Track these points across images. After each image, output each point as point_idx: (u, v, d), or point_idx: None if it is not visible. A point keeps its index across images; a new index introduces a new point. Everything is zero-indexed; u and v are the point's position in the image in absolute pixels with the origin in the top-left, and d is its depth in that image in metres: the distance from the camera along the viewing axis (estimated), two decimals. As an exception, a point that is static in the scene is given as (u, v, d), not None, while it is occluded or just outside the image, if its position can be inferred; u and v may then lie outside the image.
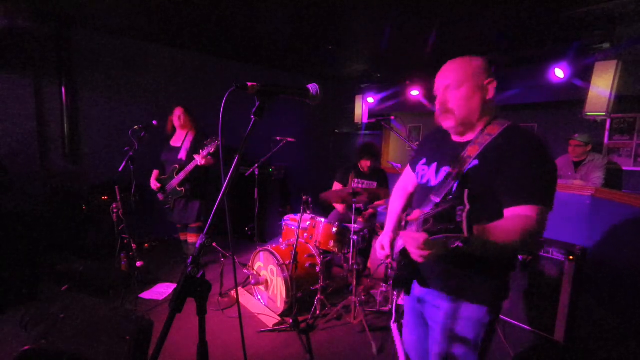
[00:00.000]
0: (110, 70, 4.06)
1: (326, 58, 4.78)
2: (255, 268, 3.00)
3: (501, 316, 2.66)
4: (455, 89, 1.13)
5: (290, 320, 2.57)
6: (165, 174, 3.42)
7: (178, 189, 3.32)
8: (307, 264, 2.81)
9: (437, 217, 0.82)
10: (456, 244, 0.80)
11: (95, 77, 3.97)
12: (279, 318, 2.67)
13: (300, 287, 2.72)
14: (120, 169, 2.88)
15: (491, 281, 1.13)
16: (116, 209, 2.87)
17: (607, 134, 4.35)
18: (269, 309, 2.81)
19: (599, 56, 3.31)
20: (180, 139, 3.43)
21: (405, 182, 1.55)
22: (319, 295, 2.76)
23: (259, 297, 2.97)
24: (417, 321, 1.38)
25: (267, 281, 2.86)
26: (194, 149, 3.29)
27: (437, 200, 1.08)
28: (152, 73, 4.36)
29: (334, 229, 2.94)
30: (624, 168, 4.17)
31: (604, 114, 3.27)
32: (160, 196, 3.44)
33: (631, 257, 2.65)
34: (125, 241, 2.97)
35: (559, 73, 3.60)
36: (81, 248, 3.59)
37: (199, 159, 3.10)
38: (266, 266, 2.87)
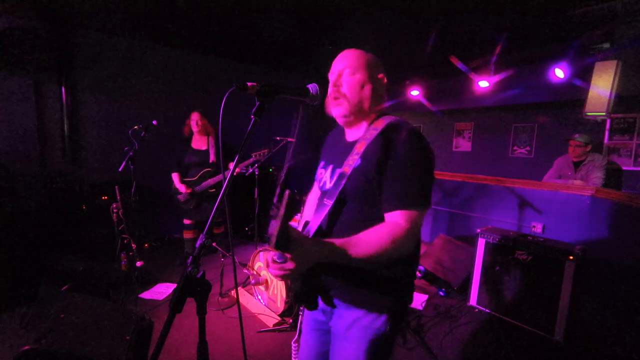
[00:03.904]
0: (110, 70, 4.05)
1: (326, 58, 4.77)
2: (255, 268, 3.00)
3: (501, 316, 2.66)
4: (350, 75, 1.12)
5: (290, 320, 2.57)
6: (188, 176, 3.48)
7: (210, 190, 3.46)
8: (307, 264, 2.80)
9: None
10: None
11: (95, 77, 3.96)
12: (279, 318, 2.67)
13: (300, 287, 2.71)
14: (120, 169, 2.88)
15: (391, 291, 1.08)
16: (116, 209, 2.87)
17: (607, 134, 4.35)
18: (269, 309, 2.81)
19: (599, 56, 3.31)
20: (204, 143, 3.51)
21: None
22: (319, 295, 2.75)
23: (259, 297, 2.97)
24: (318, 336, 1.25)
25: (267, 281, 2.86)
26: (219, 151, 3.47)
27: (330, 202, 1.07)
28: (152, 73, 4.35)
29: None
30: (623, 168, 4.16)
31: (604, 114, 3.27)
32: (181, 197, 3.46)
33: (631, 257, 2.65)
34: (125, 241, 2.97)
35: (559, 73, 3.61)
36: (81, 248, 3.59)
37: (242, 166, 3.38)
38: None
